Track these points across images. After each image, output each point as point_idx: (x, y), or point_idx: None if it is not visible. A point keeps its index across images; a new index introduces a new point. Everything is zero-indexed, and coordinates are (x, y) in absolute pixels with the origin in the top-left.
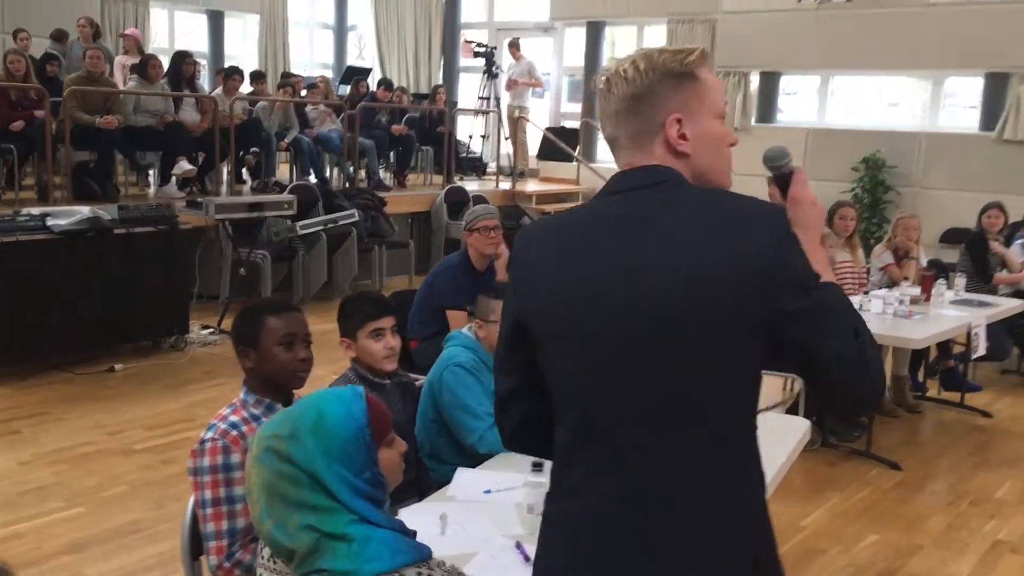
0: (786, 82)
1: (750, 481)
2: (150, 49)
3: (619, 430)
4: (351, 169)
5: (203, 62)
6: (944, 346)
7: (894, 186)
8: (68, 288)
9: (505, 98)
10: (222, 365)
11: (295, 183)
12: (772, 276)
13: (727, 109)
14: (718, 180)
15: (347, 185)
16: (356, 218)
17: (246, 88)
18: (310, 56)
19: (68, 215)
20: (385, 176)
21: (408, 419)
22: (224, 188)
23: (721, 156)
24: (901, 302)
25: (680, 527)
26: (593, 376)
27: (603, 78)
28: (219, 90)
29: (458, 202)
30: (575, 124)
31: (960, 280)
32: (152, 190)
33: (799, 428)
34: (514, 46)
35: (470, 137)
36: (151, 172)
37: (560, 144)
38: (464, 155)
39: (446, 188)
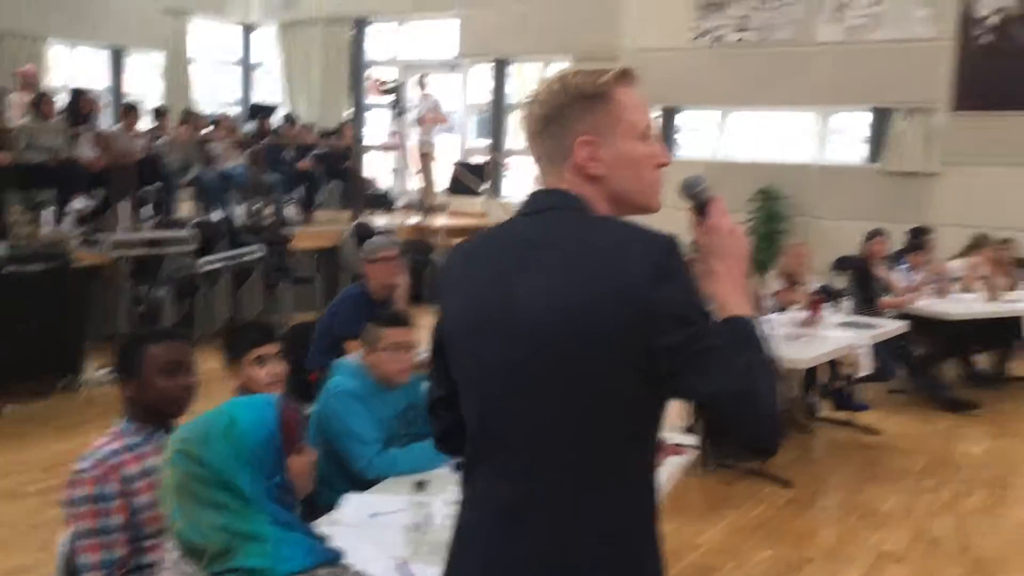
0: (687, 117)
1: (632, 507)
2: (53, 86)
3: (509, 446)
4: (256, 205)
5: (106, 99)
6: (834, 367)
7: (788, 216)
8: None
9: (413, 134)
10: (118, 405)
11: (198, 219)
12: (646, 309)
13: (649, 127)
14: (642, 202)
15: (252, 221)
16: (261, 254)
17: (149, 124)
18: (215, 93)
19: None
20: (292, 212)
21: None
22: (123, 225)
23: (643, 178)
24: (790, 325)
25: (563, 544)
26: (485, 394)
27: (526, 100)
28: (118, 126)
29: (366, 237)
30: (483, 159)
31: (847, 304)
32: (47, 228)
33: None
34: (421, 83)
35: (383, 173)
36: (46, 210)
37: (469, 178)
38: (373, 191)
39: (353, 223)
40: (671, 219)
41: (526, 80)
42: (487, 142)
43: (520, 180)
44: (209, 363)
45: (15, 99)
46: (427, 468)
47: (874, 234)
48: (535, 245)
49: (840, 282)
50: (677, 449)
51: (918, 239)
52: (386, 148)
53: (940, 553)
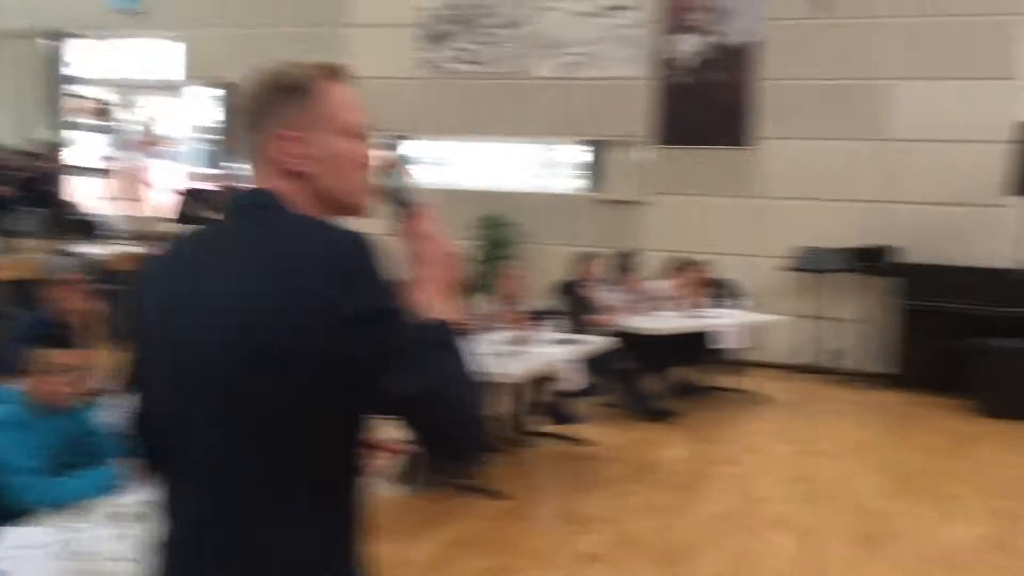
0: (415, 146)
1: (327, 525)
2: None
3: (199, 465)
4: None
5: None
6: (547, 383)
7: (513, 242)
8: None
9: (127, 158)
10: None
11: None
12: (329, 313)
13: (361, 127)
14: (347, 202)
15: None
16: None
17: None
18: None
19: None
20: None
21: None
22: None
23: (347, 177)
24: (503, 343)
25: (253, 568)
26: (173, 411)
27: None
28: None
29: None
30: (212, 186)
31: (560, 323)
32: None
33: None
34: (136, 105)
35: (93, 199)
36: None
37: (195, 207)
38: (81, 217)
39: (56, 252)
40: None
41: None
42: (215, 169)
43: None
44: None
45: None
46: (94, 495)
47: (585, 257)
48: (220, 251)
49: (558, 303)
50: (388, 446)
51: (624, 262)
52: (96, 172)
53: (638, 550)
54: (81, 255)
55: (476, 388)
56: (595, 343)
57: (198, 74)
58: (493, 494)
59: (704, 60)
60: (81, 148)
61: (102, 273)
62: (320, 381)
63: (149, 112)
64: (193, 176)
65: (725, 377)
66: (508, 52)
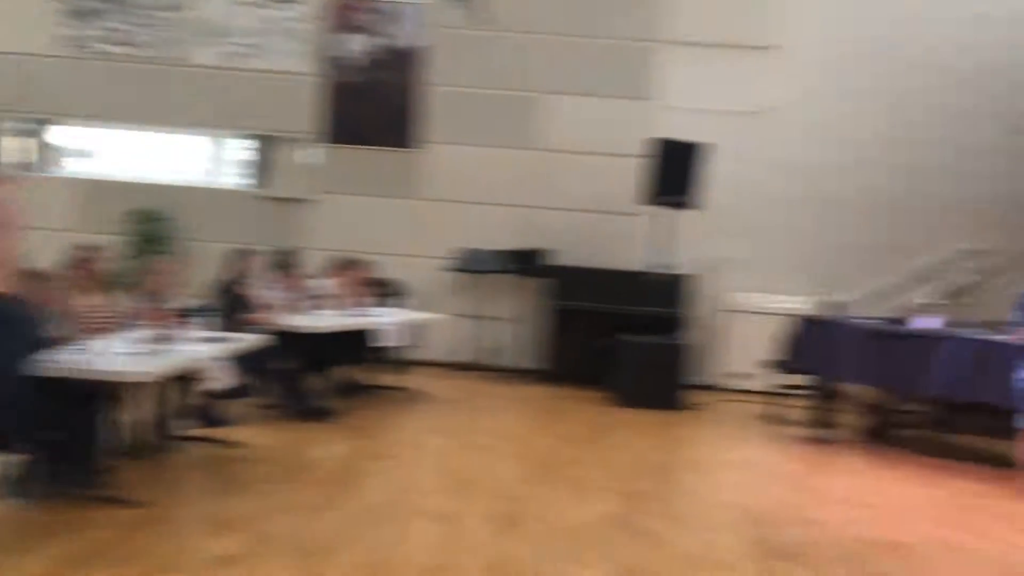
0: (61, 132)
1: None
2: None
3: None
4: None
5: None
6: (197, 384)
7: (170, 237)
8: None
9: None
10: None
11: None
12: None
13: None
14: None
15: None
16: None
17: None
18: None
19: None
20: None
21: None
22: None
23: None
24: (144, 340)
25: None
26: None
27: None
28: None
29: None
30: None
31: (209, 320)
32: None
33: None
34: None
35: None
36: None
37: None
38: None
39: None
40: None
41: None
42: None
43: None
44: None
45: None
46: None
47: (242, 254)
48: None
49: (214, 301)
50: None
51: (285, 259)
52: None
53: (276, 549)
54: None
55: (21, 362)
56: (247, 341)
57: None
58: (125, 502)
59: (372, 60)
60: None
61: None
62: None
63: None
64: None
65: (388, 375)
66: (166, 36)
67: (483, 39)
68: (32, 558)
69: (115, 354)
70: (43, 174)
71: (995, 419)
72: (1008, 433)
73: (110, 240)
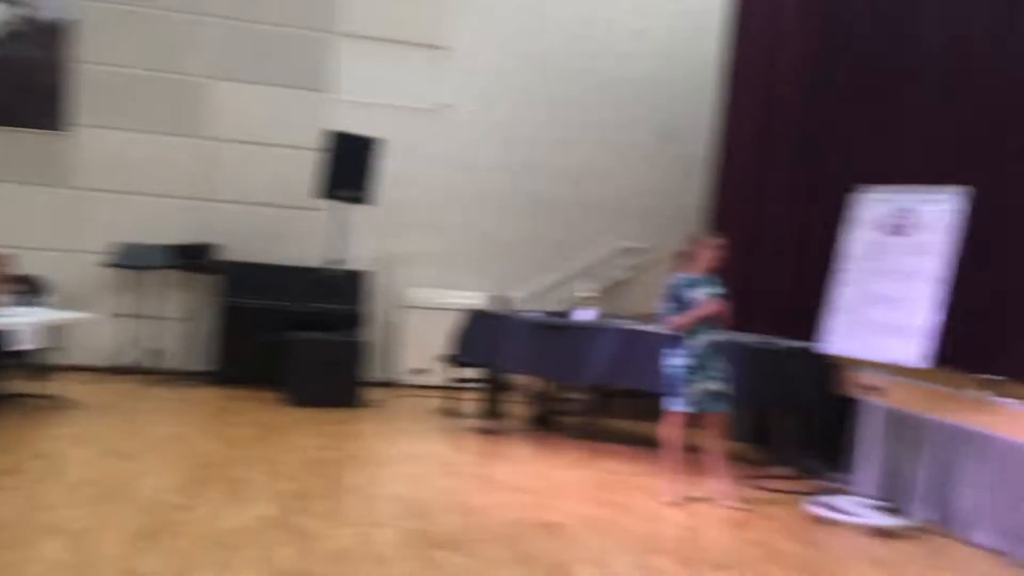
0: None
1: None
2: None
3: None
4: None
5: None
6: None
7: None
8: None
9: None
10: None
11: None
12: None
13: None
14: None
15: None
16: None
17: None
18: None
19: None
20: None
21: None
22: None
23: None
24: None
25: None
26: None
27: None
28: None
29: None
30: None
31: None
32: None
33: None
34: None
35: None
36: None
37: None
38: None
39: None
40: None
41: None
42: None
43: None
44: None
45: None
46: None
47: None
48: None
49: None
50: None
51: None
52: None
53: None
54: None
55: None
56: None
57: None
58: None
59: (11, 33)
60: None
61: None
62: None
63: None
64: None
65: (28, 382)
66: None
67: (140, 16)
68: None
69: None
70: None
71: (646, 403)
72: (657, 416)
73: None
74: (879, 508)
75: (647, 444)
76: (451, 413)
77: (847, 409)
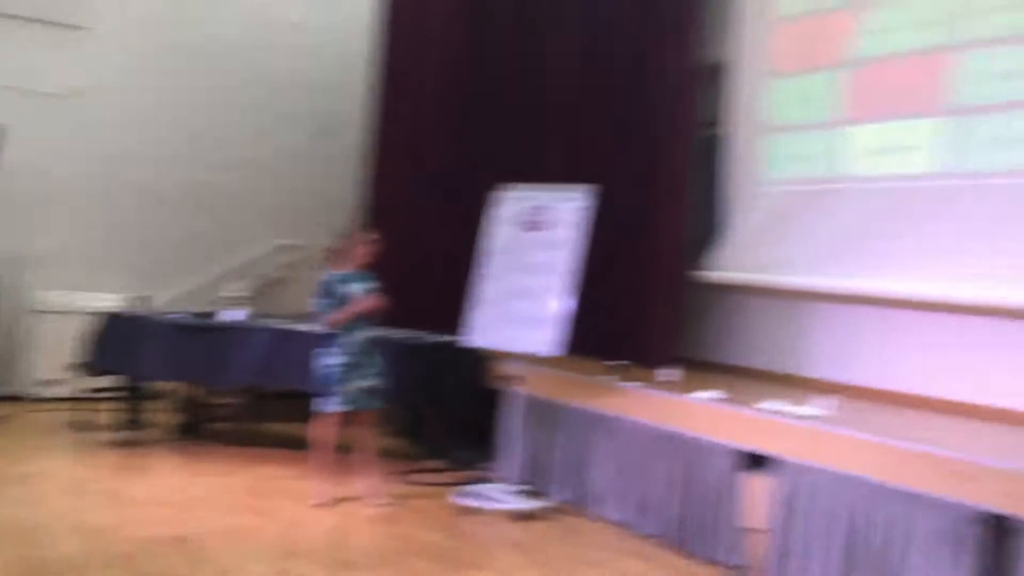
0: None
1: None
2: None
3: None
4: None
5: None
6: None
7: None
8: None
9: None
10: None
11: None
12: None
13: None
14: None
15: None
16: None
17: None
18: None
19: None
20: None
21: None
22: None
23: None
24: None
25: None
26: None
27: None
28: None
29: None
30: None
31: None
32: None
33: None
34: None
35: None
36: None
37: None
38: None
39: None
40: None
41: None
42: None
43: None
44: None
45: None
46: None
47: None
48: None
49: None
50: None
51: None
52: None
53: None
54: None
55: None
56: None
57: None
58: None
59: None
60: None
61: None
62: None
63: None
64: None
65: None
66: None
67: None
68: None
69: None
70: None
71: (301, 404)
72: (310, 417)
73: None
74: (521, 493)
75: (301, 446)
76: (85, 426)
77: (494, 400)
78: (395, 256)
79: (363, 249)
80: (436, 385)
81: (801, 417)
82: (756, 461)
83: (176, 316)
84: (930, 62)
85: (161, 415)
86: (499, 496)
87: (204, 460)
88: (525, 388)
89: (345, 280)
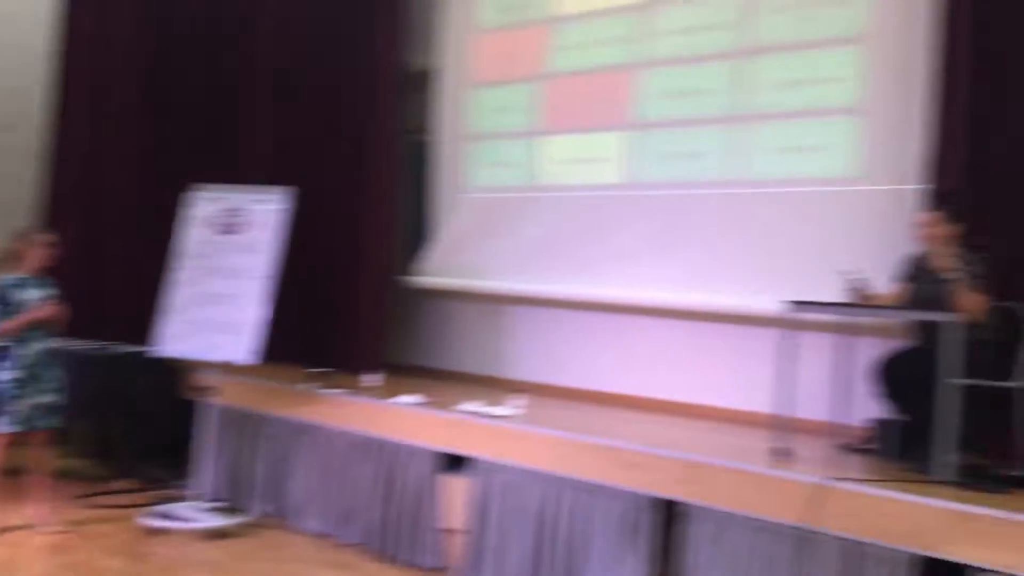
0: None
1: None
2: None
3: None
4: None
5: None
6: None
7: None
8: None
9: None
10: None
11: None
12: None
13: None
14: None
15: None
16: None
17: None
18: None
19: None
20: None
21: None
22: None
23: None
24: None
25: None
26: None
27: None
28: None
29: None
30: None
31: None
32: None
33: None
34: None
35: None
36: None
37: None
38: None
39: None
40: None
41: None
42: None
43: None
44: None
45: None
46: None
47: None
48: None
49: None
50: None
51: None
52: None
53: None
54: None
55: None
56: None
57: None
58: None
59: None
60: None
61: None
62: None
63: None
64: None
65: None
66: None
67: None
68: None
69: None
70: None
71: None
72: None
73: None
74: (216, 510)
75: None
76: None
77: (189, 413)
78: (78, 260)
79: (40, 252)
80: (124, 399)
81: (494, 417)
82: (456, 462)
83: None
84: (616, 78)
85: None
86: (191, 514)
87: None
88: (220, 399)
89: (20, 285)
